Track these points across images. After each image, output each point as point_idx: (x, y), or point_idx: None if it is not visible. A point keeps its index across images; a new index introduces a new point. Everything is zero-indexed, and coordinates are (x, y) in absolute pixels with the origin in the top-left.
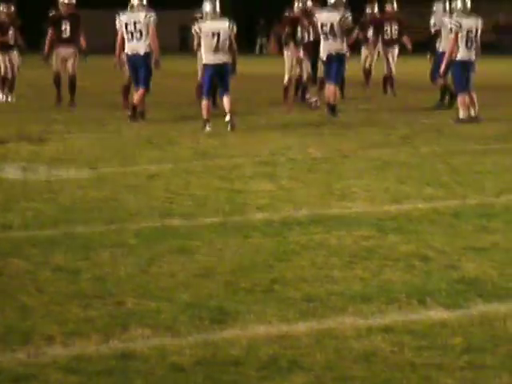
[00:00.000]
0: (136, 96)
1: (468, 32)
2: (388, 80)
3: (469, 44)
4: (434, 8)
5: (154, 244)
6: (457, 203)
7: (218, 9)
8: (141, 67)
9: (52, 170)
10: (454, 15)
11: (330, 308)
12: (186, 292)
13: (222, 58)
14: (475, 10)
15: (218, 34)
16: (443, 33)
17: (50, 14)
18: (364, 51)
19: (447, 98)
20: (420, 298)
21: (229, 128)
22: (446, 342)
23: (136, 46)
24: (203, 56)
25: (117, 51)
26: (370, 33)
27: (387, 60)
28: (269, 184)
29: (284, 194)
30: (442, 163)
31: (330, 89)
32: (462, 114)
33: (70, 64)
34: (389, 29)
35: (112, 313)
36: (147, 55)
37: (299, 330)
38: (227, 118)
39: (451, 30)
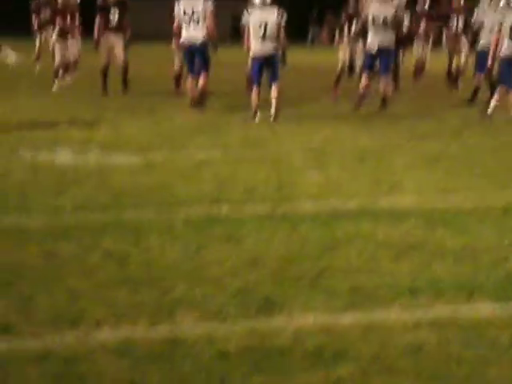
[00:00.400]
0: (201, 82)
1: None
2: (456, 73)
3: None
4: (480, 4)
5: (202, 231)
6: (506, 198)
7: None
8: (199, 55)
9: (103, 156)
10: (499, 9)
11: (376, 300)
12: (233, 280)
13: (270, 48)
14: None
15: (266, 24)
16: (485, 28)
17: (98, 2)
18: (417, 43)
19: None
20: (468, 293)
21: (271, 119)
22: (493, 337)
23: (194, 34)
24: (252, 46)
25: (174, 38)
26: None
27: (456, 54)
28: (318, 174)
29: (333, 184)
30: (493, 157)
31: (383, 81)
32: (492, 109)
33: (118, 52)
34: (455, 22)
35: (160, 298)
36: (204, 44)
37: (345, 322)
38: (272, 110)
39: (497, 24)
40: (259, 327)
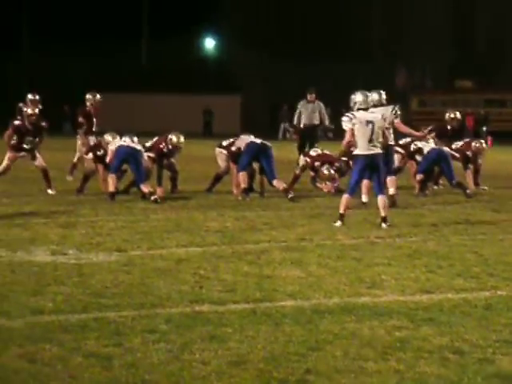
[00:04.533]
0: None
1: None
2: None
3: None
4: None
5: (185, 330)
6: (488, 295)
7: (369, 99)
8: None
9: (81, 255)
10: None
11: None
12: (219, 381)
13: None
14: None
15: (373, 123)
16: None
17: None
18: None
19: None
20: None
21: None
22: None
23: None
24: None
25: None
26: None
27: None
28: (298, 270)
29: (313, 280)
30: (472, 253)
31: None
32: None
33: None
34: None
35: None
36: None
37: None
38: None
39: None
40: None
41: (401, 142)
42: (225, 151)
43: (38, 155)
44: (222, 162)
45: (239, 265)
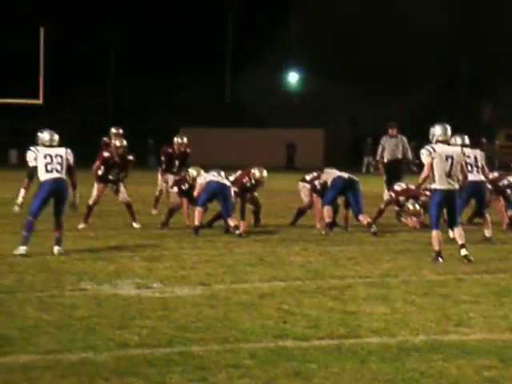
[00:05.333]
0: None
1: None
2: None
3: None
4: None
5: (269, 366)
6: None
7: (448, 132)
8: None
9: (165, 288)
10: None
11: None
12: None
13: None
14: None
15: (452, 158)
16: None
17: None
18: None
19: None
20: None
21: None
22: None
23: None
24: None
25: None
26: None
27: None
28: (383, 307)
29: (399, 317)
30: None
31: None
32: None
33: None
34: None
35: None
36: None
37: None
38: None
39: None
40: None
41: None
42: (308, 185)
43: (122, 189)
44: (305, 197)
45: (323, 300)
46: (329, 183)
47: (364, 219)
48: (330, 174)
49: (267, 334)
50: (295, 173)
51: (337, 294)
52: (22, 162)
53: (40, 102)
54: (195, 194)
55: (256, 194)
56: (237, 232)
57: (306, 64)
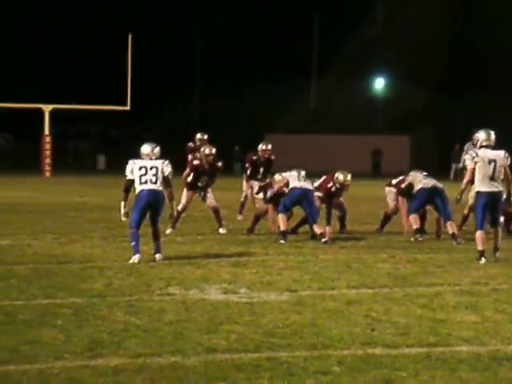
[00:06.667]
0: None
1: None
2: None
3: None
4: None
5: (358, 373)
6: None
7: (492, 137)
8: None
9: (252, 293)
10: None
11: None
12: None
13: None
14: None
15: (495, 161)
16: None
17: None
18: None
19: None
20: None
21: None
22: None
23: None
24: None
25: None
26: None
27: None
28: (473, 315)
29: (490, 326)
30: None
31: None
32: None
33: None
34: None
35: None
36: None
37: None
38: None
39: None
40: None
41: None
42: (394, 189)
43: (209, 194)
44: (391, 201)
45: (412, 308)
46: (414, 186)
47: (451, 228)
48: (416, 177)
49: (355, 340)
50: (381, 179)
51: (426, 301)
52: (109, 167)
53: (128, 108)
54: (275, 189)
55: (341, 199)
56: (323, 240)
57: (392, 69)
